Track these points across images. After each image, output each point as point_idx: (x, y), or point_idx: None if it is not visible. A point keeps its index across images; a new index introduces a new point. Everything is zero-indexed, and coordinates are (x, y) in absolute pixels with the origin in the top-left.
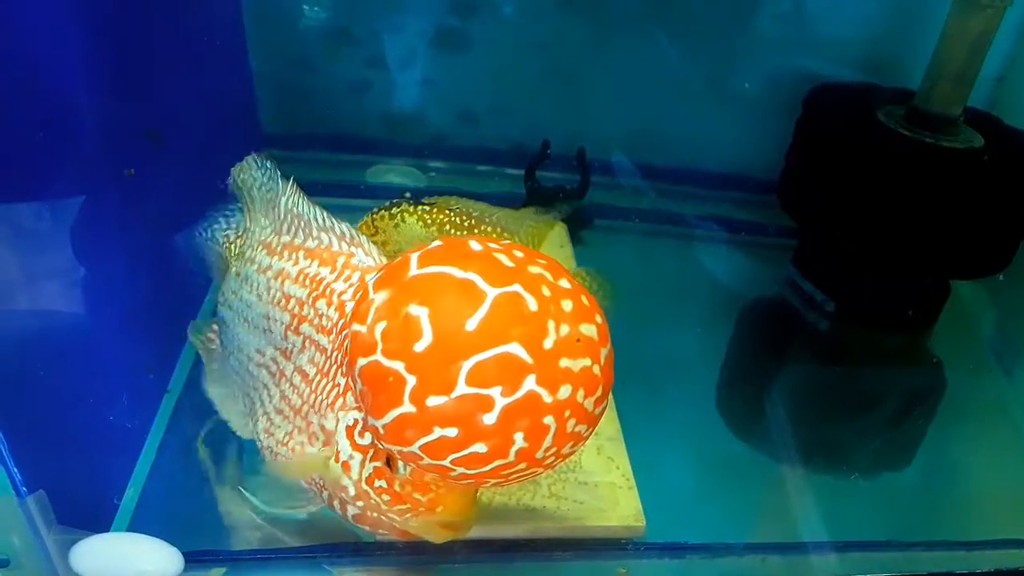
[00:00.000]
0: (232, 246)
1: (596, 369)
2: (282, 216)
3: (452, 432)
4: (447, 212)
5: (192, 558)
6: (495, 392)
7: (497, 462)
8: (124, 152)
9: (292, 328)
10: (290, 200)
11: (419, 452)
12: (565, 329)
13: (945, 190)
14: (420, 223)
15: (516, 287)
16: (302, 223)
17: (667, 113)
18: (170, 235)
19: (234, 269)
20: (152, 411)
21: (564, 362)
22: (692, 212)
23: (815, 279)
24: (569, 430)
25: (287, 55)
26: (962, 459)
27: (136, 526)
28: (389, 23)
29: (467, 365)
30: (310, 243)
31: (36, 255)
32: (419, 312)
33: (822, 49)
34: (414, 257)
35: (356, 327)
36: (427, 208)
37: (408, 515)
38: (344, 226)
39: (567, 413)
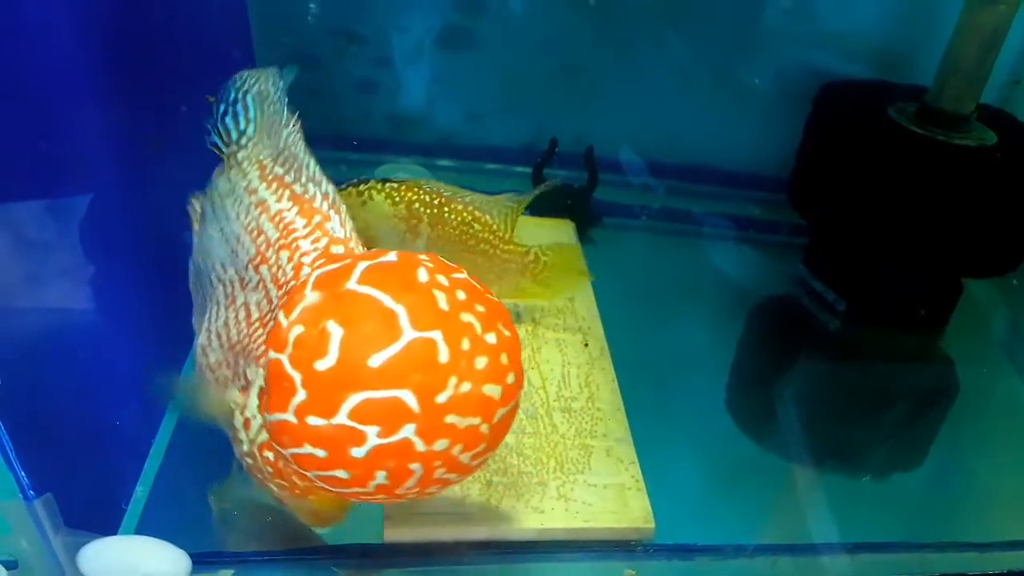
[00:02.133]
0: (233, 147)
1: (484, 428)
2: (281, 146)
3: (321, 453)
4: (415, 190)
5: (200, 559)
6: (371, 431)
7: (356, 489)
8: (128, 153)
9: (254, 263)
10: (292, 136)
11: (289, 457)
12: (466, 387)
13: (957, 188)
14: (388, 201)
15: (435, 334)
16: (296, 163)
17: (676, 111)
18: (177, 236)
19: (231, 172)
20: (160, 413)
21: (451, 418)
22: (702, 210)
23: (826, 278)
24: (435, 477)
25: (293, 55)
26: (974, 459)
27: (144, 528)
28: (397, 22)
29: (355, 398)
30: (297, 187)
31: (40, 256)
32: (334, 331)
33: (833, 46)
34: (359, 268)
35: (280, 317)
36: (395, 186)
37: (285, 492)
38: (331, 187)
39: (437, 463)
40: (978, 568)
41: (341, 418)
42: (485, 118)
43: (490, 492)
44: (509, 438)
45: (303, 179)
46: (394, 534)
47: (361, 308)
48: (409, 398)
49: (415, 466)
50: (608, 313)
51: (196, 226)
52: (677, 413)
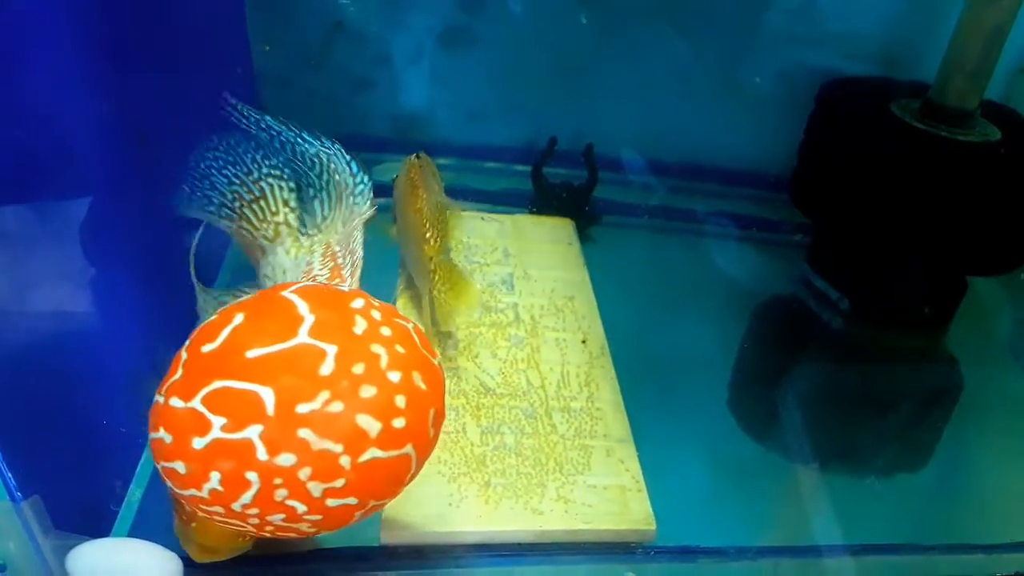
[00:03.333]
0: (311, 231)
1: (344, 460)
2: (348, 231)
3: (168, 438)
4: (417, 168)
5: (191, 564)
6: (217, 421)
7: (192, 491)
8: (118, 151)
9: None
10: (358, 222)
11: (151, 444)
12: (336, 407)
13: (960, 184)
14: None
15: (330, 347)
16: (350, 241)
17: (677, 109)
18: (170, 240)
19: (296, 249)
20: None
21: (304, 432)
22: (703, 209)
23: (829, 276)
24: (277, 499)
25: (291, 53)
26: (980, 459)
27: (137, 531)
28: (395, 20)
29: (216, 384)
30: (340, 259)
31: (29, 257)
32: (235, 320)
33: (836, 43)
34: (302, 283)
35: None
36: (414, 160)
37: (175, 516)
38: (361, 253)
39: (277, 480)
40: (986, 570)
41: (195, 402)
42: (486, 116)
43: (488, 493)
44: (508, 439)
45: (346, 252)
46: (390, 536)
47: (273, 307)
48: (268, 397)
49: (252, 475)
50: (608, 312)
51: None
52: (678, 413)
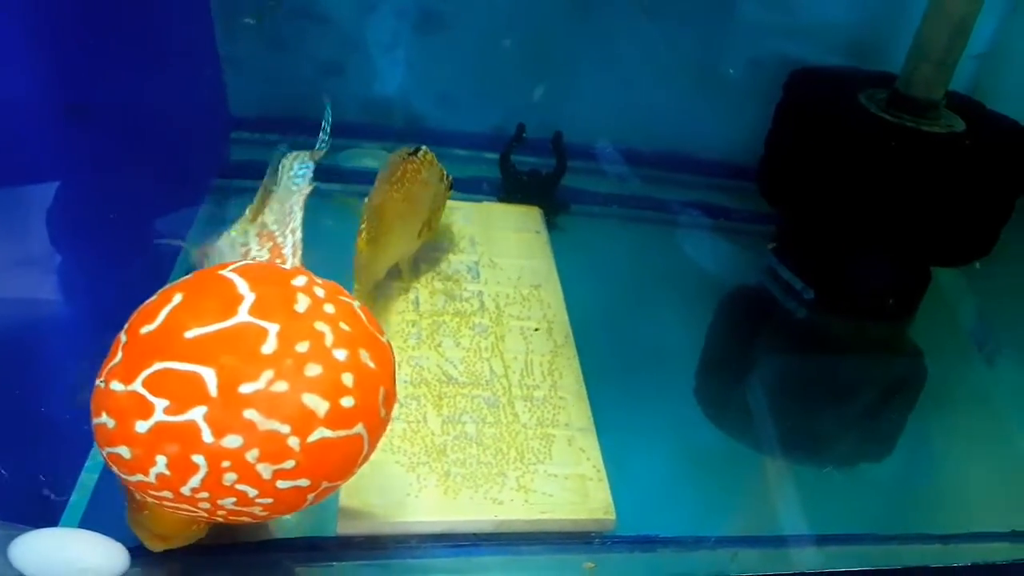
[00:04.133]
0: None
1: (293, 441)
2: (286, 211)
3: (111, 423)
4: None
5: (142, 554)
6: (160, 404)
7: (138, 476)
8: (74, 140)
9: None
10: (298, 202)
11: (94, 430)
12: (280, 386)
13: (924, 174)
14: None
15: (271, 326)
16: (288, 219)
17: (647, 97)
18: (132, 226)
19: (233, 231)
20: None
21: (250, 413)
22: (672, 198)
23: (794, 266)
24: (227, 483)
25: (257, 36)
26: (942, 450)
27: (88, 521)
28: (364, 3)
29: (156, 367)
30: (279, 238)
31: None
32: (174, 299)
33: (807, 33)
34: (244, 261)
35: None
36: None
37: (127, 504)
38: (301, 233)
39: (226, 463)
40: (942, 560)
41: (136, 385)
42: (456, 102)
43: (448, 483)
44: (469, 428)
45: (286, 231)
46: (347, 527)
47: (212, 286)
48: (210, 377)
49: (199, 459)
50: (575, 301)
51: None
52: (643, 402)
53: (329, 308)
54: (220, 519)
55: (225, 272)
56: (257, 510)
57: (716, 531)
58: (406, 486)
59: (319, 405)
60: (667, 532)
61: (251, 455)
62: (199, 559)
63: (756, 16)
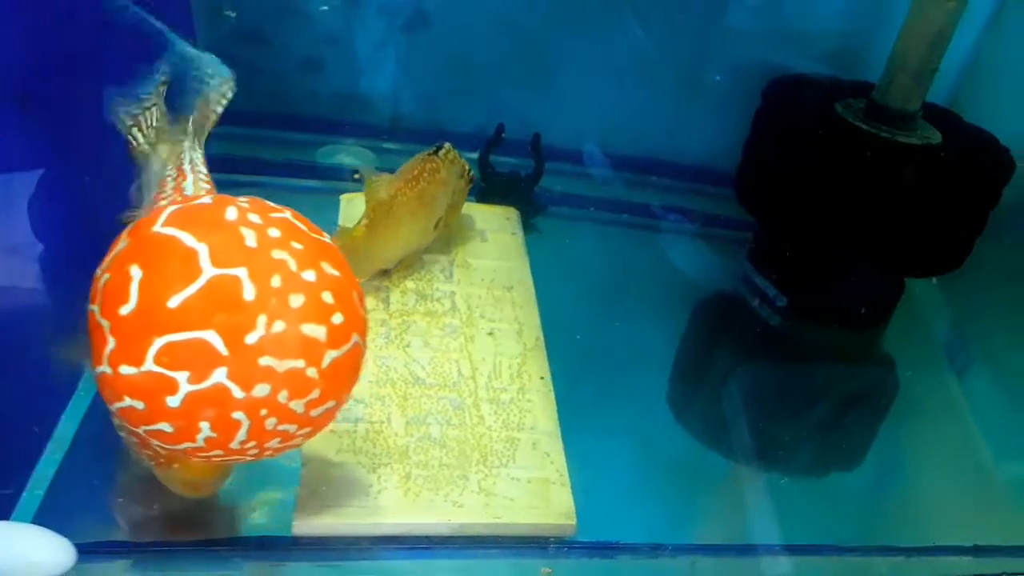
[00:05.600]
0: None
1: (311, 372)
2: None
3: (140, 405)
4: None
5: (90, 549)
6: (181, 376)
7: (187, 444)
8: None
9: None
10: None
11: (117, 413)
12: (279, 326)
13: (898, 185)
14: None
15: (240, 271)
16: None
17: (628, 101)
18: (92, 217)
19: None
20: (64, 399)
21: (266, 360)
22: (651, 202)
23: (768, 274)
24: (269, 428)
25: (235, 29)
26: (909, 461)
27: (43, 516)
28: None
29: (159, 342)
30: (186, 166)
31: None
32: (135, 274)
33: (789, 40)
34: (167, 211)
35: (97, 271)
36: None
37: (151, 461)
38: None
39: (263, 411)
40: (904, 573)
41: (149, 365)
42: (436, 101)
43: (408, 485)
44: (433, 430)
45: (187, 165)
46: (303, 527)
47: (161, 249)
48: (215, 339)
49: (239, 415)
50: (548, 304)
51: None
52: (611, 407)
53: (274, 232)
54: (268, 457)
55: (163, 230)
56: (299, 440)
57: (679, 539)
58: (366, 487)
59: (318, 331)
60: (629, 539)
61: (282, 397)
62: (152, 556)
63: (738, 22)
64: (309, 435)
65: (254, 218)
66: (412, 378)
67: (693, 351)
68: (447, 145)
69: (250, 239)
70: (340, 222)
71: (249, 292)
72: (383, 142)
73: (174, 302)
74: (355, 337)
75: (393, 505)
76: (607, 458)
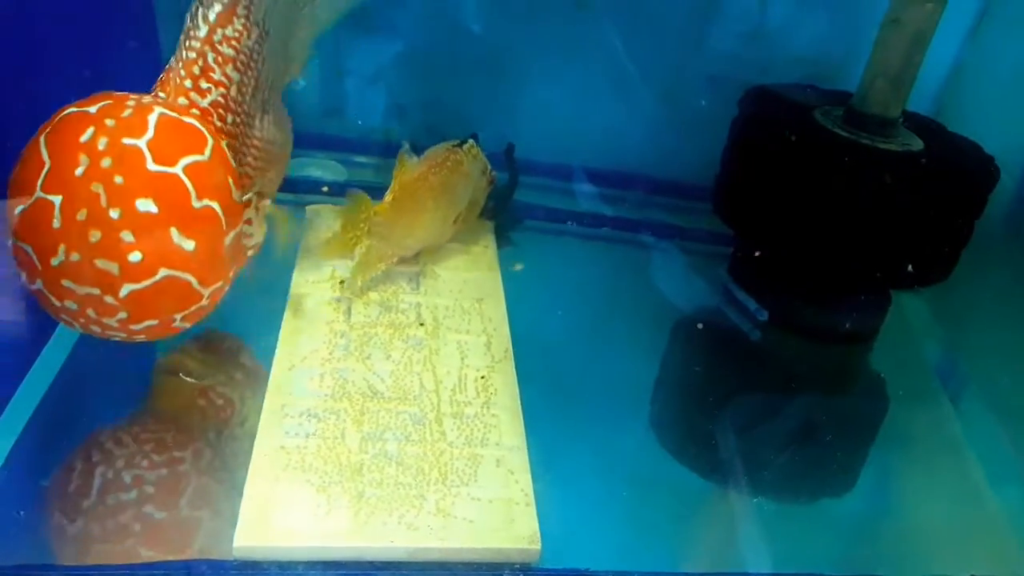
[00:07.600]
0: None
1: (109, 299)
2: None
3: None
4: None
5: (11, 572)
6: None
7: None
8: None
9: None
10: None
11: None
12: (75, 256)
13: (878, 191)
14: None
15: (56, 198)
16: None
17: (605, 114)
18: None
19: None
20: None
21: (66, 283)
22: (628, 216)
23: (749, 287)
24: (97, 330)
25: None
26: (897, 485)
27: None
28: None
29: (8, 242)
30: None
31: None
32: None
33: (767, 52)
34: (66, 112)
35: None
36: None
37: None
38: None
39: (82, 321)
40: None
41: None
42: (406, 112)
43: (360, 505)
44: (390, 446)
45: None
46: (244, 550)
47: (28, 155)
48: (32, 254)
49: (64, 316)
50: (519, 317)
51: None
52: (581, 423)
53: (106, 163)
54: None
55: (40, 136)
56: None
57: (650, 566)
58: (314, 507)
59: (109, 267)
60: (597, 565)
61: (91, 313)
62: None
63: (715, 35)
64: (154, 331)
65: (102, 142)
66: (371, 391)
67: (669, 366)
68: (471, 140)
69: (81, 167)
70: (306, 233)
71: (56, 221)
72: (354, 155)
73: (17, 211)
74: (163, 271)
75: (342, 527)
76: (575, 477)
